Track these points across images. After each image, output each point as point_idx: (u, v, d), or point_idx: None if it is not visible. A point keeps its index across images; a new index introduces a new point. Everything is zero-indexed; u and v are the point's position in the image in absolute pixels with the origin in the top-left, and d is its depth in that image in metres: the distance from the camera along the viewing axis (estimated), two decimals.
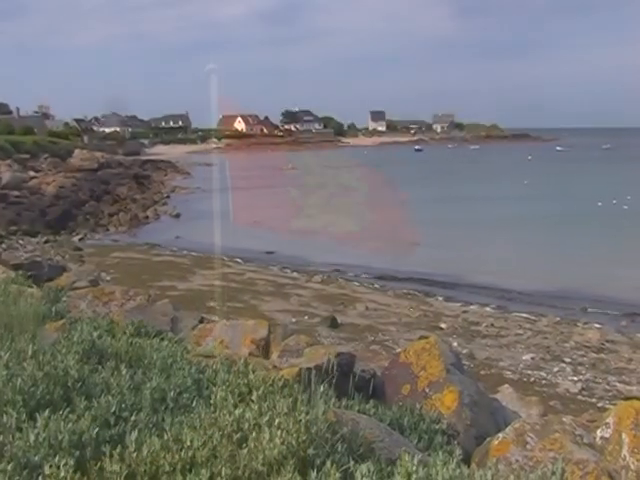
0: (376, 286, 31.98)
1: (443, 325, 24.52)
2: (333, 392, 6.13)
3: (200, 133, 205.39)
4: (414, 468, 3.96)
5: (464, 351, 21.01)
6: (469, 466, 5.41)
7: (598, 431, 6.58)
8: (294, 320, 24.23)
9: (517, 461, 5.53)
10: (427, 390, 7.36)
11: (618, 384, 18.85)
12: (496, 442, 6.04)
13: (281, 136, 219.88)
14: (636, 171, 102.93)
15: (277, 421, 4.57)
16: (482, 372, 19.20)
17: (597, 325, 25.79)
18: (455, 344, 21.77)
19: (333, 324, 23.58)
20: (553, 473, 4.22)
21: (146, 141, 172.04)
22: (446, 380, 7.35)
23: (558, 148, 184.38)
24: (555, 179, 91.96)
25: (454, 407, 7.08)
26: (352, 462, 4.23)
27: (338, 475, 3.95)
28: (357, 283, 32.47)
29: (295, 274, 34.43)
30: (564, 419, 6.71)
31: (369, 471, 4.01)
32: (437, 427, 6.63)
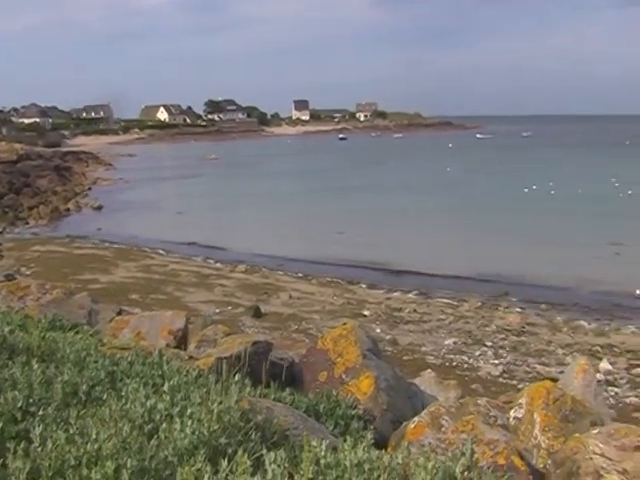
0: (300, 275, 32.03)
1: (366, 312, 24.68)
2: (249, 381, 6.09)
3: (122, 123, 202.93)
4: (322, 453, 3.96)
5: (387, 337, 21.21)
6: (386, 450, 5.46)
7: (512, 412, 6.69)
8: (218, 311, 24.12)
9: (430, 444, 5.58)
10: (344, 376, 7.36)
11: (538, 366, 19.22)
12: (412, 426, 6.07)
13: (204, 126, 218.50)
14: (555, 158, 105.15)
15: (189, 411, 4.52)
16: (405, 357, 19.40)
17: (518, 309, 26.27)
18: (378, 330, 21.98)
19: (257, 314, 23.55)
20: (463, 454, 4.26)
21: (67, 132, 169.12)
22: (362, 366, 7.37)
23: (479, 136, 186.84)
24: (477, 166, 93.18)
25: (370, 392, 7.10)
26: (265, 450, 4.20)
27: (250, 463, 3.92)
28: (281, 272, 32.47)
29: (219, 264, 34.29)
30: (479, 401, 6.80)
31: (281, 458, 3.99)
32: (353, 412, 6.64)
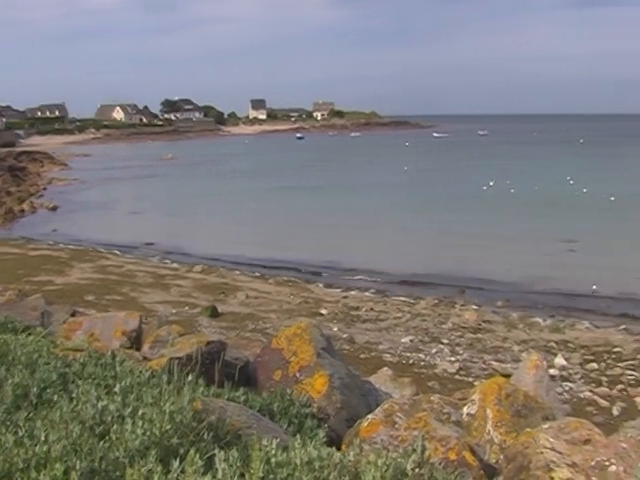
0: (257, 274, 31.98)
1: (324, 311, 24.70)
2: (202, 381, 6.08)
3: (78, 123, 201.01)
4: (273, 452, 3.96)
5: (344, 336, 21.24)
6: (340, 448, 5.48)
7: (465, 408, 6.74)
8: (174, 311, 24.00)
9: (383, 441, 5.60)
10: (298, 375, 7.37)
11: (494, 362, 19.38)
12: (365, 423, 6.09)
13: (161, 125, 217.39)
14: (512, 156, 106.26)
15: (141, 412, 4.50)
16: (362, 356, 19.44)
17: (474, 306, 26.46)
18: (335, 329, 22.02)
19: (214, 314, 23.46)
20: (414, 450, 4.28)
21: (21, 132, 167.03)
22: (317, 364, 7.38)
23: (435, 134, 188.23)
24: (435, 165, 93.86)
25: (324, 391, 7.11)
26: (217, 449, 4.19)
27: (202, 463, 3.91)
28: (238, 272, 32.37)
29: (175, 265, 34.11)
30: (432, 398, 6.83)
31: (233, 457, 3.99)
32: (307, 411, 6.65)
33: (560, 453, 5.11)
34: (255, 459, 3.85)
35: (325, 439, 5.13)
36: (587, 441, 5.24)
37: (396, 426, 5.86)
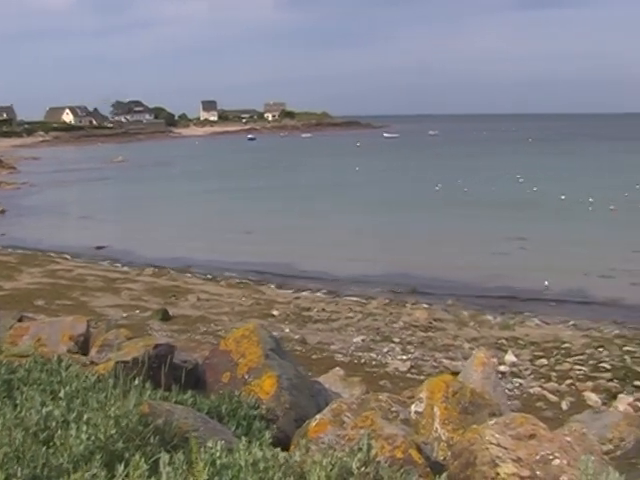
0: (208, 276, 31.82)
1: (275, 312, 24.67)
2: (150, 384, 6.05)
3: (26, 126, 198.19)
4: (218, 454, 3.97)
5: (296, 336, 21.25)
6: (288, 449, 5.49)
7: (413, 406, 6.80)
8: (125, 315, 23.77)
9: (330, 440, 5.63)
10: (246, 376, 7.37)
11: (445, 360, 19.52)
12: (314, 423, 6.11)
13: (111, 128, 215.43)
14: (462, 155, 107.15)
15: (86, 417, 4.47)
16: (314, 356, 19.46)
17: (425, 305, 26.62)
18: (287, 330, 22.02)
19: (165, 317, 23.28)
20: (360, 449, 4.31)
21: None
22: (265, 365, 7.39)
23: (386, 135, 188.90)
24: (386, 165, 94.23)
25: (273, 392, 7.13)
26: (164, 453, 4.18)
27: (147, 466, 3.90)
28: (189, 274, 32.19)
29: (126, 268, 33.80)
30: (380, 397, 6.87)
31: (179, 460, 3.98)
32: (256, 413, 6.66)
33: (505, 448, 5.18)
34: (194, 462, 3.85)
35: (271, 440, 5.13)
36: (532, 436, 5.32)
37: (344, 425, 5.89)
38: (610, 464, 5.71)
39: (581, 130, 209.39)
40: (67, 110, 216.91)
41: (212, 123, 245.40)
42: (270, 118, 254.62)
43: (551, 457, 5.09)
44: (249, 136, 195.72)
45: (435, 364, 19.21)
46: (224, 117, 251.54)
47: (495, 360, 19.20)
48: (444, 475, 4.32)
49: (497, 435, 5.31)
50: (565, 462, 5.06)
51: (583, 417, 7.85)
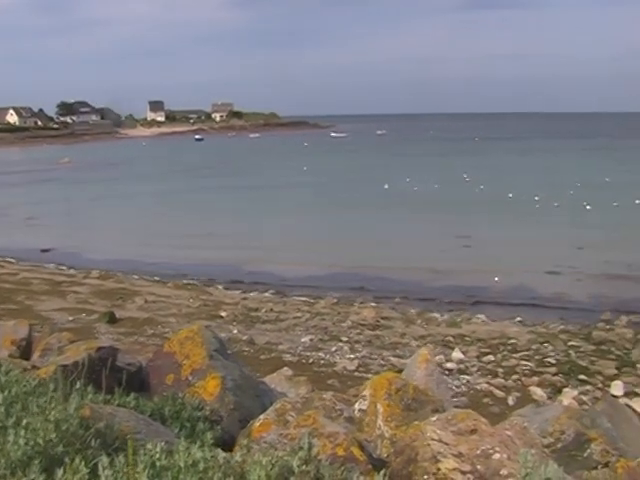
0: (156, 278, 31.60)
1: (223, 313, 24.59)
2: (92, 387, 6.01)
3: None
4: (158, 456, 3.96)
5: (244, 337, 21.21)
6: (232, 449, 5.48)
7: (356, 404, 6.83)
8: (71, 318, 23.49)
9: (273, 440, 5.63)
10: (190, 378, 7.34)
11: (392, 358, 19.62)
12: (258, 423, 6.11)
13: (57, 129, 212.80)
14: (409, 154, 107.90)
15: (25, 422, 4.42)
16: (262, 357, 19.43)
17: (372, 303, 26.78)
18: (235, 331, 21.98)
19: (111, 319, 23.07)
20: (301, 448, 4.33)
21: None
22: (209, 367, 7.36)
23: (333, 134, 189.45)
24: (334, 164, 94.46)
25: (217, 393, 7.10)
26: (105, 456, 4.15)
27: (87, 470, 3.87)
28: (136, 276, 31.91)
29: (72, 271, 33.42)
30: (325, 395, 6.89)
31: (120, 463, 3.96)
32: (199, 414, 6.64)
33: (447, 444, 5.23)
34: (139, 464, 3.84)
35: (215, 441, 5.13)
36: (473, 431, 5.38)
37: (287, 425, 5.90)
38: (550, 457, 5.82)
39: (525, 129, 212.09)
40: (11, 111, 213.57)
41: (159, 124, 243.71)
42: (218, 118, 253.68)
43: (492, 451, 5.15)
44: (197, 137, 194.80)
45: (383, 362, 19.30)
46: (171, 118, 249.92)
47: (442, 357, 19.44)
48: (383, 472, 4.35)
49: (439, 431, 5.36)
50: (505, 456, 5.13)
51: (525, 411, 7.93)
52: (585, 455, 6.74)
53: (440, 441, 5.28)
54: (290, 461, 4.13)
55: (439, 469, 5.05)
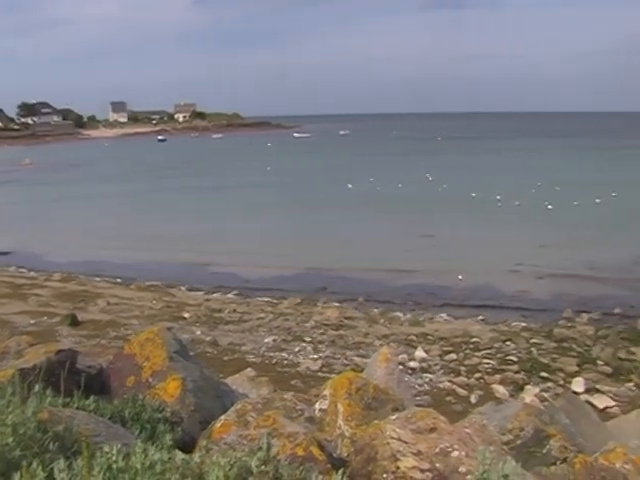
0: (118, 280, 31.41)
1: (186, 314, 24.51)
2: (51, 391, 5.97)
3: None
4: (114, 458, 3.95)
5: (207, 338, 21.15)
6: (193, 451, 5.47)
7: (317, 404, 6.85)
8: (33, 321, 23.24)
9: (233, 441, 5.63)
10: (151, 380, 7.31)
11: (356, 358, 19.66)
12: (218, 424, 6.10)
13: (17, 130, 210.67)
14: (373, 154, 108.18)
15: None
16: (226, 358, 19.39)
17: (336, 303, 26.84)
18: (199, 332, 21.91)
19: (73, 322, 22.87)
20: (260, 448, 4.34)
21: None
22: (169, 368, 7.34)
23: (296, 135, 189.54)
24: (298, 165, 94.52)
25: (177, 394, 7.08)
26: (63, 459, 4.13)
27: (45, 474, 3.86)
28: (98, 279, 31.68)
29: (33, 273, 33.12)
30: (286, 396, 6.89)
31: (78, 466, 3.95)
32: (160, 416, 6.62)
33: (406, 442, 5.26)
34: (99, 466, 3.83)
35: (175, 443, 5.13)
36: (432, 429, 5.42)
37: (248, 426, 5.90)
38: (509, 454, 5.87)
39: (492, 128, 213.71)
40: None
41: (122, 124, 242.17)
42: (181, 119, 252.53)
43: (450, 449, 5.19)
44: (159, 137, 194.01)
45: (346, 362, 19.34)
46: (134, 118, 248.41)
47: (405, 356, 19.53)
48: (341, 471, 4.37)
49: (398, 430, 5.39)
50: (464, 453, 5.17)
51: (485, 409, 7.99)
52: (544, 451, 6.80)
53: (399, 440, 5.31)
54: (249, 461, 4.14)
55: (398, 467, 5.08)
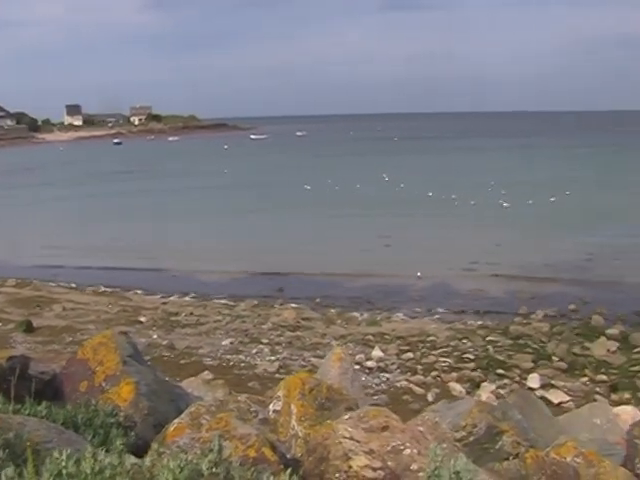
0: (73, 285, 31.06)
1: (143, 318, 24.38)
2: (1, 397, 5.93)
3: None
4: (64, 464, 3.94)
5: (164, 342, 21.09)
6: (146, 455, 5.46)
7: (271, 405, 6.87)
8: None
9: (185, 444, 5.63)
10: (104, 384, 7.27)
11: (313, 358, 19.72)
12: (172, 428, 6.09)
13: None
14: (328, 155, 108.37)
15: None
16: (182, 361, 19.36)
17: (293, 305, 26.83)
18: (155, 336, 21.83)
19: (28, 328, 22.64)
20: (211, 450, 4.36)
21: None
22: (123, 372, 7.30)
23: (252, 136, 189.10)
24: (254, 166, 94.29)
25: (131, 398, 7.05)
26: (13, 466, 4.11)
27: None
28: (53, 284, 31.32)
29: None
30: (239, 398, 6.90)
31: (28, 472, 3.93)
32: (113, 420, 6.59)
33: (358, 441, 5.30)
34: (48, 472, 3.82)
35: (123, 447, 5.11)
36: (385, 428, 5.46)
37: (201, 428, 5.90)
38: (462, 450, 5.95)
39: (444, 129, 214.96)
40: None
41: (77, 128, 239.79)
42: (136, 122, 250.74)
43: (402, 447, 5.24)
44: (115, 140, 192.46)
45: (304, 363, 19.40)
46: (89, 122, 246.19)
47: (362, 356, 19.61)
48: (289, 471, 4.40)
49: (350, 429, 5.43)
50: (416, 451, 5.23)
51: (438, 407, 8.05)
52: (497, 447, 6.87)
53: (351, 439, 5.35)
54: (200, 464, 4.16)
55: (350, 467, 5.12)
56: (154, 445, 5.53)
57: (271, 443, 5.41)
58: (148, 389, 7.26)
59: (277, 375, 18.18)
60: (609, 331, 22.00)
